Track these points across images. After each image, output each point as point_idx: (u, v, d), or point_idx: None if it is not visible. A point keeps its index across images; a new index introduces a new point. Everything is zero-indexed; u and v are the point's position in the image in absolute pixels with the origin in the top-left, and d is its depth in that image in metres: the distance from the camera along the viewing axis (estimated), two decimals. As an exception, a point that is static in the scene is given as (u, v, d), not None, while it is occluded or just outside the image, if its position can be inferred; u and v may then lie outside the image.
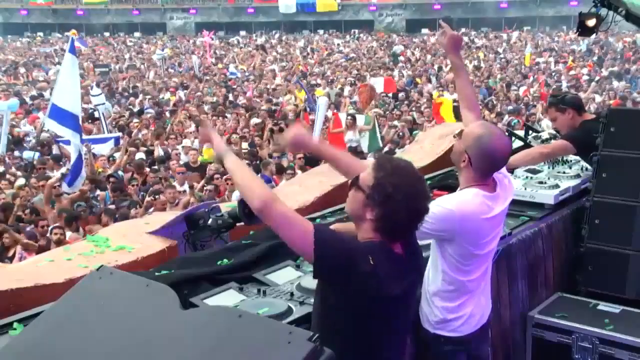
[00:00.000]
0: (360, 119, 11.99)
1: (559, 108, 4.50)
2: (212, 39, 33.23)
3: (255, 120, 13.06)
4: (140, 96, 18.20)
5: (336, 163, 2.74)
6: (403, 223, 2.21)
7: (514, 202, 3.18)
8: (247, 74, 23.75)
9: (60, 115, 8.24)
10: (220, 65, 26.15)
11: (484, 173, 2.80)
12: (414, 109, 14.66)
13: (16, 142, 11.87)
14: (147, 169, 9.69)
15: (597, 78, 19.49)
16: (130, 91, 19.40)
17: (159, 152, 11.00)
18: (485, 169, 2.80)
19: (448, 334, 2.84)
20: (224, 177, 8.45)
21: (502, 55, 27.55)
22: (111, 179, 9.00)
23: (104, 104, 13.17)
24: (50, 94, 8.75)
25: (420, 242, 2.45)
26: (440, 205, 2.71)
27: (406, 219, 2.20)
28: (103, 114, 12.61)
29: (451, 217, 2.70)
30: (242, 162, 2.45)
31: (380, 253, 2.18)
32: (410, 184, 2.20)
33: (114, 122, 13.67)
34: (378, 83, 17.39)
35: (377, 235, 2.22)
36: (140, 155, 10.63)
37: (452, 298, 2.83)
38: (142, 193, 8.64)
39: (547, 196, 4.16)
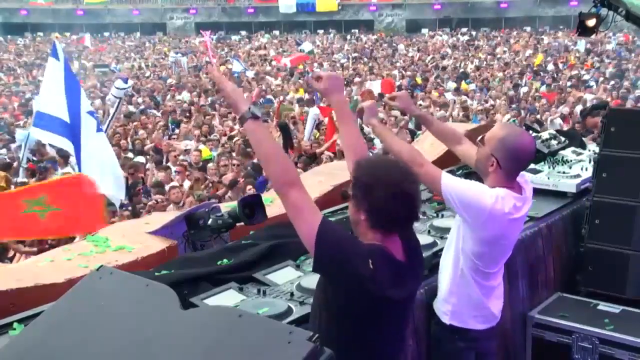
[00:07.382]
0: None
1: None
2: (212, 40, 33.18)
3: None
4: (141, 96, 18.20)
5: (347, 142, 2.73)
6: (392, 209, 2.17)
7: (536, 192, 3.21)
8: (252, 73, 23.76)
9: (47, 122, 7.70)
10: (223, 68, 26.13)
11: (512, 173, 2.82)
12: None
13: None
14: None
15: (601, 79, 19.46)
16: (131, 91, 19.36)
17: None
18: (514, 168, 2.81)
19: (461, 325, 2.91)
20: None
21: (500, 56, 27.51)
22: None
23: (120, 98, 12.57)
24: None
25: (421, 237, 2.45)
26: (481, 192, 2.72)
27: (394, 205, 2.16)
28: (119, 102, 12.14)
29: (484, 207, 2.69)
30: (265, 129, 2.38)
31: (381, 257, 2.16)
32: (387, 171, 2.21)
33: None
34: (375, 85, 17.30)
35: (375, 234, 2.21)
36: (140, 158, 10.59)
37: (469, 295, 2.88)
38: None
39: (570, 185, 4.40)
